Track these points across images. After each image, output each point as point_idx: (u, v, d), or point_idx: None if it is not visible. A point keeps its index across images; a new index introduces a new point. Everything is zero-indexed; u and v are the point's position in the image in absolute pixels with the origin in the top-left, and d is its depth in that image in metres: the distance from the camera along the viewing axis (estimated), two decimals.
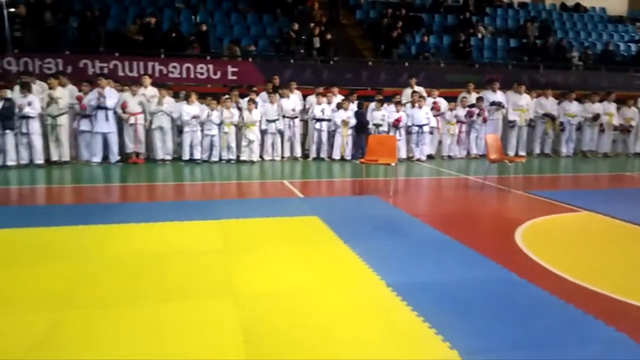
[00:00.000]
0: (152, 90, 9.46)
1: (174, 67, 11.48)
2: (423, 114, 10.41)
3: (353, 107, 10.31)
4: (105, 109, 8.91)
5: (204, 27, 12.40)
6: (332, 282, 3.74)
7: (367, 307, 3.30)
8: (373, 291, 3.57)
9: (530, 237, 4.97)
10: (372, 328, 3.03)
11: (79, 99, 8.80)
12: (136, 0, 13.67)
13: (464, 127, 10.94)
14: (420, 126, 10.39)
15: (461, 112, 10.95)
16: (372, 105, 10.37)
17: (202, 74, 11.66)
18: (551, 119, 11.34)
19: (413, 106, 10.46)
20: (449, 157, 10.97)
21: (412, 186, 7.96)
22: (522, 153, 11.26)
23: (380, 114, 10.18)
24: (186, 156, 9.38)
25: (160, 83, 9.91)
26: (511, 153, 11.14)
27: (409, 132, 10.42)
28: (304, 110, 10.38)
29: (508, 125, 11.27)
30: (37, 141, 8.53)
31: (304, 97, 10.57)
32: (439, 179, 8.73)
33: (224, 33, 13.44)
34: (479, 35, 15.40)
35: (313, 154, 10.29)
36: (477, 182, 8.13)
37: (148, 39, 11.51)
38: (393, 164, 7.10)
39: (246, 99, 9.80)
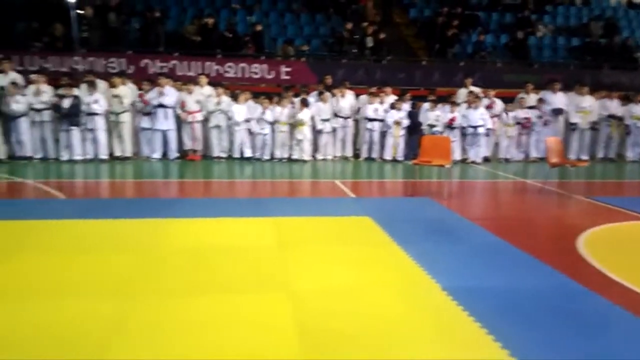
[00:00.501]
0: (208, 90, 9.75)
1: (230, 66, 11.76)
2: (478, 115, 10.18)
3: (406, 107, 10.22)
4: (165, 107, 9.26)
5: (259, 27, 12.62)
6: (385, 282, 3.74)
7: (422, 310, 3.29)
8: (428, 294, 3.55)
9: (593, 245, 4.78)
10: (428, 331, 3.02)
11: (141, 96, 9.19)
12: (195, 1, 14.11)
13: (523, 129, 10.61)
14: (476, 127, 10.16)
15: (520, 113, 10.62)
16: (426, 105, 10.24)
17: (256, 73, 11.89)
18: (618, 120, 10.80)
19: (469, 107, 10.24)
20: (506, 159, 10.67)
21: (466, 189, 7.80)
22: (585, 157, 10.79)
23: (434, 115, 10.04)
24: (238, 154, 9.61)
25: (216, 82, 10.18)
26: (573, 157, 10.70)
27: (463, 134, 10.21)
28: (356, 110, 10.38)
29: (570, 127, 10.83)
30: (102, 137, 8.99)
31: (356, 96, 10.58)
32: (495, 182, 8.51)
33: (278, 33, 13.64)
34: (539, 34, 14.86)
35: (364, 154, 10.28)
36: (535, 186, 7.88)
37: (205, 39, 11.85)
38: (447, 166, 7.00)
39: (299, 98, 9.91)
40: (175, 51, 11.72)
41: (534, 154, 10.72)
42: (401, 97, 10.38)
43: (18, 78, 9.20)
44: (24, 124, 8.78)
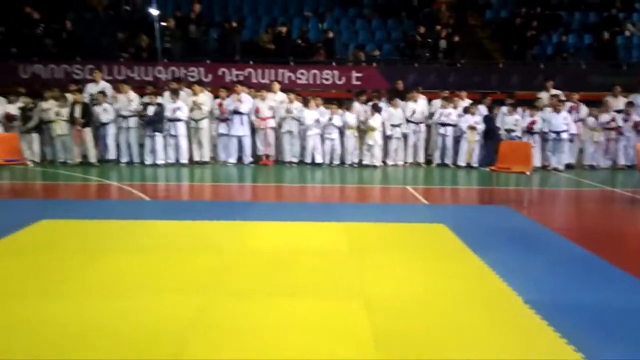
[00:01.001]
0: (281, 96, 9.96)
1: (302, 73, 11.97)
2: (561, 119, 9.63)
3: (482, 111, 9.88)
4: (241, 114, 9.58)
5: (331, 34, 12.76)
6: (463, 292, 3.62)
7: (503, 323, 3.15)
8: (510, 307, 3.38)
9: None
10: (511, 345, 2.87)
11: (220, 105, 9.56)
12: (269, 10, 14.52)
13: (611, 134, 9.91)
14: (558, 132, 9.62)
15: (606, 117, 9.93)
16: (504, 109, 9.84)
17: (327, 79, 12.02)
18: None
19: (551, 111, 9.71)
20: (591, 167, 10.01)
21: (548, 197, 7.40)
22: None
23: (513, 119, 9.62)
24: (309, 159, 9.72)
25: (288, 89, 10.39)
26: None
27: (544, 139, 9.70)
28: (429, 115, 10.18)
29: None
30: (184, 143, 9.45)
31: (429, 101, 10.38)
32: (580, 190, 8.01)
33: (350, 39, 13.71)
34: (627, 33, 13.84)
35: (437, 160, 10.05)
36: (624, 196, 7.32)
37: (279, 47, 12.16)
38: (527, 173, 6.67)
39: (369, 103, 9.88)
40: (250, 59, 12.11)
41: (622, 161, 9.98)
42: (479, 100, 10.05)
43: (107, 87, 9.89)
44: (111, 129, 9.42)
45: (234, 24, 12.21)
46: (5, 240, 4.60)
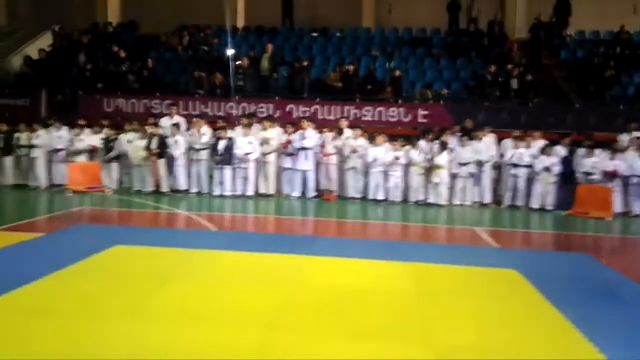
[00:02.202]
0: (347, 132, 10.02)
1: (368, 110, 12.00)
2: None
3: (559, 152, 9.40)
4: (306, 149, 9.71)
5: (398, 73, 12.78)
6: (540, 346, 3.34)
7: None
8: None
9: None
10: None
11: (288, 142, 9.73)
12: (338, 51, 14.85)
13: None
14: None
15: None
16: (582, 151, 9.31)
17: (393, 116, 11.97)
18: None
19: (637, 154, 9.05)
20: None
21: (631, 246, 6.82)
22: None
23: (591, 162, 9.06)
24: (372, 196, 9.63)
25: (355, 125, 10.45)
26: None
27: (627, 183, 9.03)
28: (499, 155, 9.82)
29: None
30: (252, 176, 9.68)
31: (499, 140, 10.03)
32: None
33: (417, 78, 13.67)
34: None
35: (507, 201, 9.61)
36: None
37: (346, 85, 12.33)
38: (608, 219, 6.19)
39: (436, 142, 9.71)
40: (318, 97, 12.35)
41: None
42: (557, 141, 9.59)
43: (181, 121, 10.40)
44: (182, 161, 9.83)
45: (304, 63, 12.56)
46: (81, 264, 4.83)
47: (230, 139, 9.62)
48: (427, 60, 14.32)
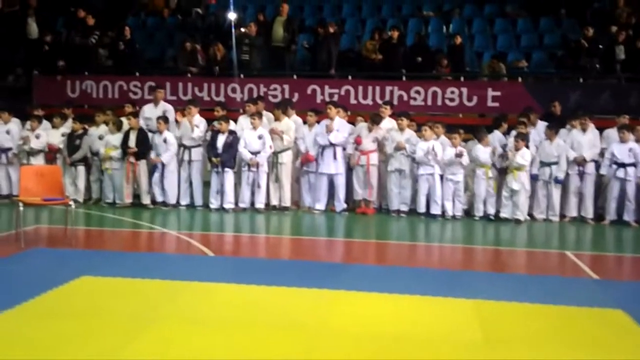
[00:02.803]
0: (389, 123, 10.03)
1: (417, 91, 12.00)
2: None
3: None
4: (333, 146, 9.75)
5: (459, 40, 12.75)
6: None
7: None
8: None
9: None
10: None
11: (308, 158, 9.78)
12: (375, 10, 14.88)
13: None
14: None
15: None
16: None
17: (452, 100, 11.94)
18: None
19: None
20: None
21: None
22: None
23: None
24: (423, 207, 9.60)
25: (399, 112, 10.45)
26: None
27: None
28: (599, 151, 9.67)
29: None
30: (263, 181, 9.74)
31: (600, 130, 9.89)
32: None
33: (485, 46, 13.61)
34: None
35: (611, 215, 9.46)
36: None
37: (388, 57, 12.33)
38: None
39: (513, 133, 9.64)
40: (350, 74, 12.38)
41: None
42: None
43: (169, 110, 10.56)
44: (171, 165, 9.97)
45: (331, 29, 12.59)
46: (40, 299, 4.97)
47: (232, 133, 9.74)
48: (498, 21, 14.23)
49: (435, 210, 9.56)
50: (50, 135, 10.46)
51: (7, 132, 10.46)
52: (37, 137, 10.34)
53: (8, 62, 13.75)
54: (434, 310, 4.98)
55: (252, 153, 9.65)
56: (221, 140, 9.70)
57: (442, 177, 9.59)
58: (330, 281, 5.71)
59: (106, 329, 4.35)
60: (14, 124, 10.67)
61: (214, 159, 9.70)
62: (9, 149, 10.41)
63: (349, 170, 10.02)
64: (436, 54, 12.73)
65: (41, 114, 10.87)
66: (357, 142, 9.82)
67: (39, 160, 10.26)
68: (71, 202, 7.67)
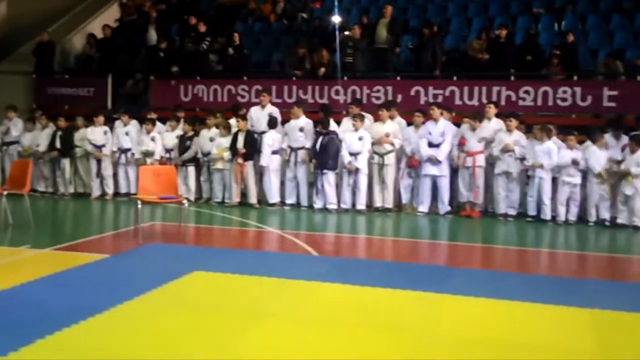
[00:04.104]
0: (496, 124, 9.78)
1: (526, 92, 11.62)
2: None
3: None
4: (437, 146, 9.64)
5: (571, 37, 12.23)
6: None
7: None
8: None
9: None
10: None
11: (413, 162, 9.75)
12: (482, 9, 14.56)
13: None
14: None
15: None
16: None
17: (564, 99, 11.47)
18: None
19: None
20: None
21: None
22: None
23: None
24: (533, 211, 9.29)
25: (507, 113, 10.18)
26: None
27: None
28: None
29: None
30: (363, 183, 9.81)
31: None
32: None
33: (600, 43, 12.98)
34: None
35: None
36: None
37: (495, 56, 12.03)
38: None
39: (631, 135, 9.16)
40: (454, 74, 12.20)
41: None
42: None
43: (276, 112, 10.84)
44: (274, 164, 10.22)
45: (435, 29, 12.47)
46: (157, 292, 5.26)
47: (332, 134, 9.84)
48: (614, 17, 13.52)
49: (547, 215, 9.21)
50: (165, 137, 11.01)
51: (127, 134, 11.12)
52: (153, 139, 10.92)
53: (128, 68, 14.60)
54: (545, 318, 4.80)
55: (353, 154, 9.73)
56: (320, 141, 9.84)
57: (554, 180, 9.26)
58: (435, 284, 5.63)
59: (217, 323, 4.54)
60: (133, 126, 11.32)
61: (312, 161, 9.89)
62: (128, 149, 11.05)
63: (453, 172, 9.88)
64: (547, 53, 12.29)
65: (154, 117, 11.47)
66: (461, 143, 9.67)
67: (153, 161, 10.81)
68: (185, 201, 8.05)
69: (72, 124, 11.52)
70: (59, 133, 11.31)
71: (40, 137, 11.49)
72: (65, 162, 11.26)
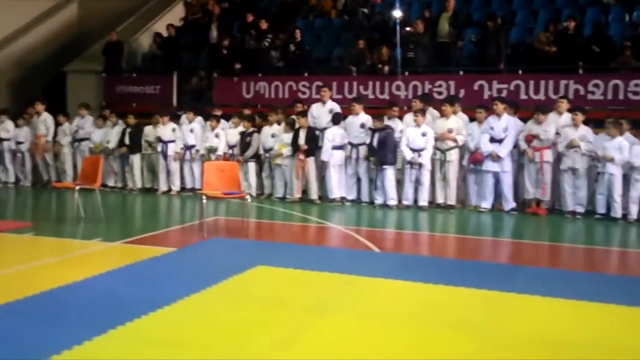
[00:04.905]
0: (566, 119, 9.53)
1: (596, 85, 11.29)
2: None
3: None
4: (499, 141, 9.46)
5: None
6: None
7: None
8: None
9: None
10: None
11: (476, 157, 9.58)
12: (549, 1, 14.16)
13: None
14: None
15: None
16: None
17: (636, 93, 11.09)
18: None
19: None
20: None
21: None
22: None
23: None
24: (602, 209, 9.01)
25: (573, 107, 9.90)
26: None
27: None
28: None
29: None
30: (426, 179, 9.74)
31: None
32: None
33: None
34: None
35: None
36: None
37: (563, 49, 11.72)
38: None
39: None
40: (520, 68, 11.96)
41: None
42: None
43: (336, 108, 10.86)
44: (335, 159, 10.23)
45: (499, 22, 12.26)
46: (219, 287, 5.37)
47: (388, 129, 9.78)
48: None
49: (617, 212, 8.92)
50: (228, 134, 11.19)
51: (191, 131, 11.36)
52: (217, 135, 11.12)
53: (192, 66, 14.93)
54: (615, 319, 4.68)
55: (415, 150, 9.66)
56: (376, 137, 9.81)
57: (625, 177, 8.95)
58: (499, 283, 5.54)
59: (281, 317, 4.59)
60: (198, 123, 11.56)
61: (371, 158, 9.87)
62: (193, 146, 11.30)
63: (519, 167, 9.69)
64: (617, 45, 11.88)
65: (219, 113, 11.68)
66: (528, 139, 9.45)
67: (217, 157, 11.00)
68: (247, 197, 8.19)
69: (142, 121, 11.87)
70: (128, 130, 11.66)
71: (111, 134, 11.88)
72: (134, 158, 11.61)
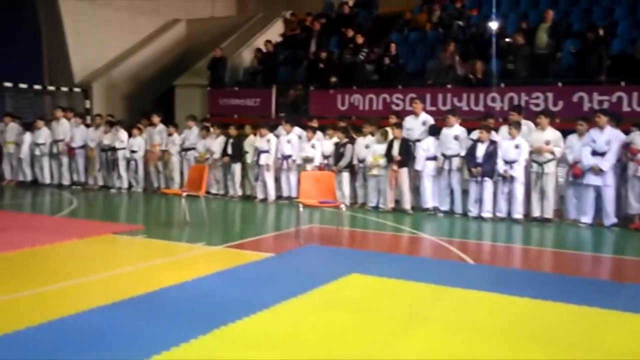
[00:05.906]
0: None
1: None
2: None
3: None
4: (601, 155, 9.03)
5: None
6: None
7: None
8: None
9: None
10: None
11: (577, 171, 9.22)
12: None
13: None
14: None
15: None
16: None
17: None
18: None
19: None
20: None
21: None
22: None
23: None
24: None
25: None
26: None
27: None
28: None
29: None
30: (519, 192, 9.43)
31: None
32: None
33: None
34: None
35: None
36: None
37: None
38: None
39: None
40: (622, 79, 11.40)
41: None
42: None
43: (429, 120, 10.74)
44: (429, 169, 10.14)
45: (601, 32, 11.73)
46: (318, 291, 5.45)
47: (493, 143, 9.57)
48: None
49: None
50: (323, 144, 11.32)
51: (288, 142, 11.57)
52: (313, 146, 11.27)
53: (290, 79, 15.27)
54: None
55: (509, 162, 9.39)
56: (481, 149, 9.58)
57: None
58: (599, 299, 5.29)
59: (375, 325, 4.60)
60: (295, 134, 11.76)
61: (473, 169, 9.63)
62: (289, 156, 11.50)
63: (621, 181, 9.22)
64: None
65: (316, 125, 11.83)
66: (632, 152, 8.96)
67: (309, 167, 11.11)
68: (342, 206, 8.24)
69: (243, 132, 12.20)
70: (231, 140, 12.02)
71: (215, 144, 12.29)
72: (236, 167, 11.95)
